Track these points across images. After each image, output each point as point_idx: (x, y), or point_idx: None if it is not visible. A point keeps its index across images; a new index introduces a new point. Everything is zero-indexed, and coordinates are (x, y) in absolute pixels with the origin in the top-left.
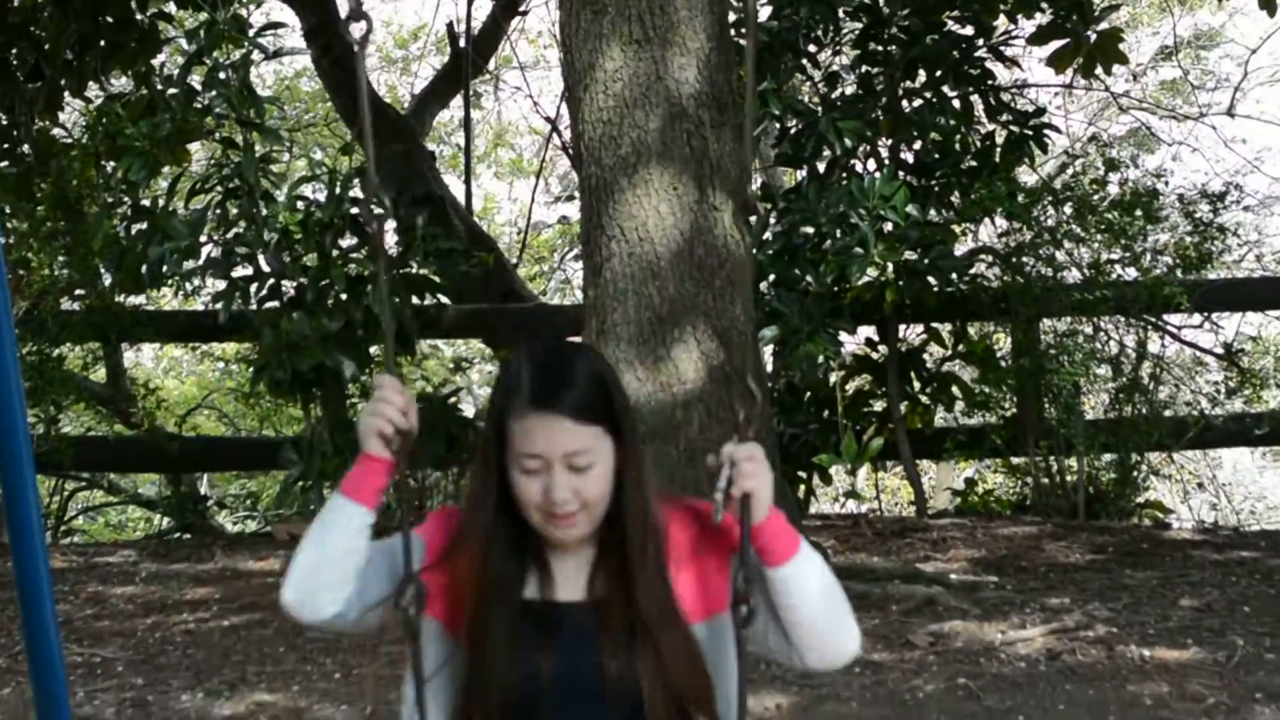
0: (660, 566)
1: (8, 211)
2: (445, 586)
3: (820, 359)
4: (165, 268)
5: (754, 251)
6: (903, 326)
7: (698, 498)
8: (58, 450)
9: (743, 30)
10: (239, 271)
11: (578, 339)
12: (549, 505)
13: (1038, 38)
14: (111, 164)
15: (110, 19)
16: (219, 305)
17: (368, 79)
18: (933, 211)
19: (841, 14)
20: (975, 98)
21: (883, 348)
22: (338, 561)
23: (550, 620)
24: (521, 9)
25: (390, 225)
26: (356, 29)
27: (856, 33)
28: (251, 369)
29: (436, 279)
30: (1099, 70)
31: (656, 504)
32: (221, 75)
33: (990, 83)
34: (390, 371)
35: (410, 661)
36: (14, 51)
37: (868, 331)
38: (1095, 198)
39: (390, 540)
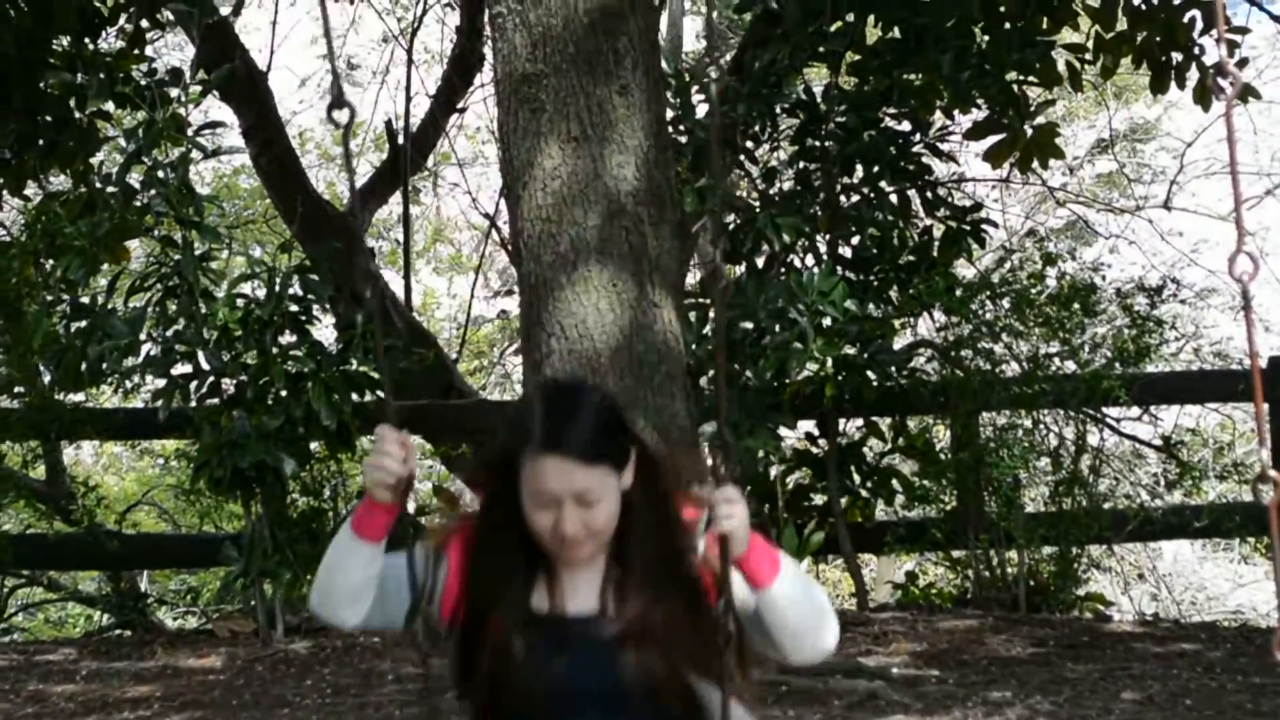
0: (677, 574)
1: None
2: (465, 599)
3: (760, 454)
4: (105, 365)
5: (694, 347)
6: (842, 421)
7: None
8: None
9: (681, 127)
10: (179, 369)
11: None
12: (558, 537)
13: (974, 132)
14: (50, 262)
15: (49, 118)
16: (159, 403)
17: (351, 163)
18: (871, 306)
19: (779, 110)
20: (913, 193)
21: (823, 442)
22: (353, 588)
23: (561, 632)
24: (460, 106)
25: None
26: (340, 116)
27: (794, 129)
28: (192, 466)
29: (376, 376)
30: (1035, 164)
31: (677, 517)
32: (160, 174)
33: (928, 178)
34: (390, 421)
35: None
36: None
37: (807, 426)
38: (1033, 292)
39: (403, 555)
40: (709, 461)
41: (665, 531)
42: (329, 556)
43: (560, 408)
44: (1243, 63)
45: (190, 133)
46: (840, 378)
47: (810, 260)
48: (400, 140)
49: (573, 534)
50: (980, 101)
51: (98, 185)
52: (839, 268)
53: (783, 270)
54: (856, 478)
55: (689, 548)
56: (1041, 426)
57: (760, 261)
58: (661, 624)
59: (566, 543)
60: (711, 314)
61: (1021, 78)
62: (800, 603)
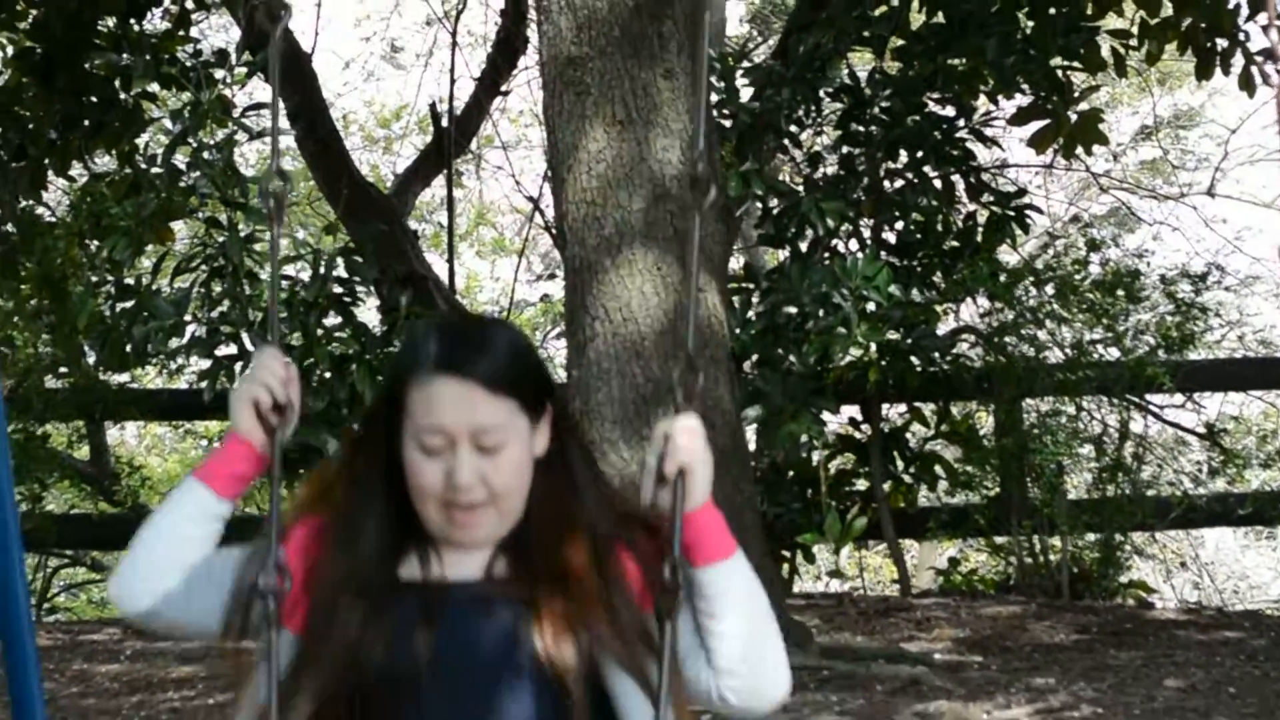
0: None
1: None
2: (305, 595)
3: (803, 439)
4: (150, 346)
5: (737, 331)
6: (886, 406)
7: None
8: (42, 528)
9: (725, 111)
10: (223, 350)
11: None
12: (451, 492)
13: (1018, 118)
14: (96, 243)
15: (94, 99)
16: (203, 384)
17: (277, 231)
18: (915, 291)
19: (823, 95)
20: (957, 178)
21: (866, 427)
22: (166, 549)
23: (436, 599)
24: (504, 89)
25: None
26: (275, 185)
27: (838, 113)
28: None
29: None
30: (1079, 150)
31: (610, 491)
32: (206, 155)
33: (971, 163)
34: (274, 344)
35: (265, 661)
36: None
37: (851, 411)
38: (1077, 278)
39: (240, 549)
40: (674, 384)
41: (582, 513)
42: (154, 520)
43: (464, 331)
44: None
45: (236, 114)
46: (884, 363)
47: (854, 245)
48: (444, 123)
49: (467, 486)
50: (1025, 87)
51: (143, 166)
52: (883, 253)
53: (826, 255)
54: (900, 463)
55: (614, 537)
56: (1085, 413)
57: (804, 246)
58: (571, 595)
59: (459, 503)
60: (755, 298)
61: (1066, 63)
62: (745, 601)
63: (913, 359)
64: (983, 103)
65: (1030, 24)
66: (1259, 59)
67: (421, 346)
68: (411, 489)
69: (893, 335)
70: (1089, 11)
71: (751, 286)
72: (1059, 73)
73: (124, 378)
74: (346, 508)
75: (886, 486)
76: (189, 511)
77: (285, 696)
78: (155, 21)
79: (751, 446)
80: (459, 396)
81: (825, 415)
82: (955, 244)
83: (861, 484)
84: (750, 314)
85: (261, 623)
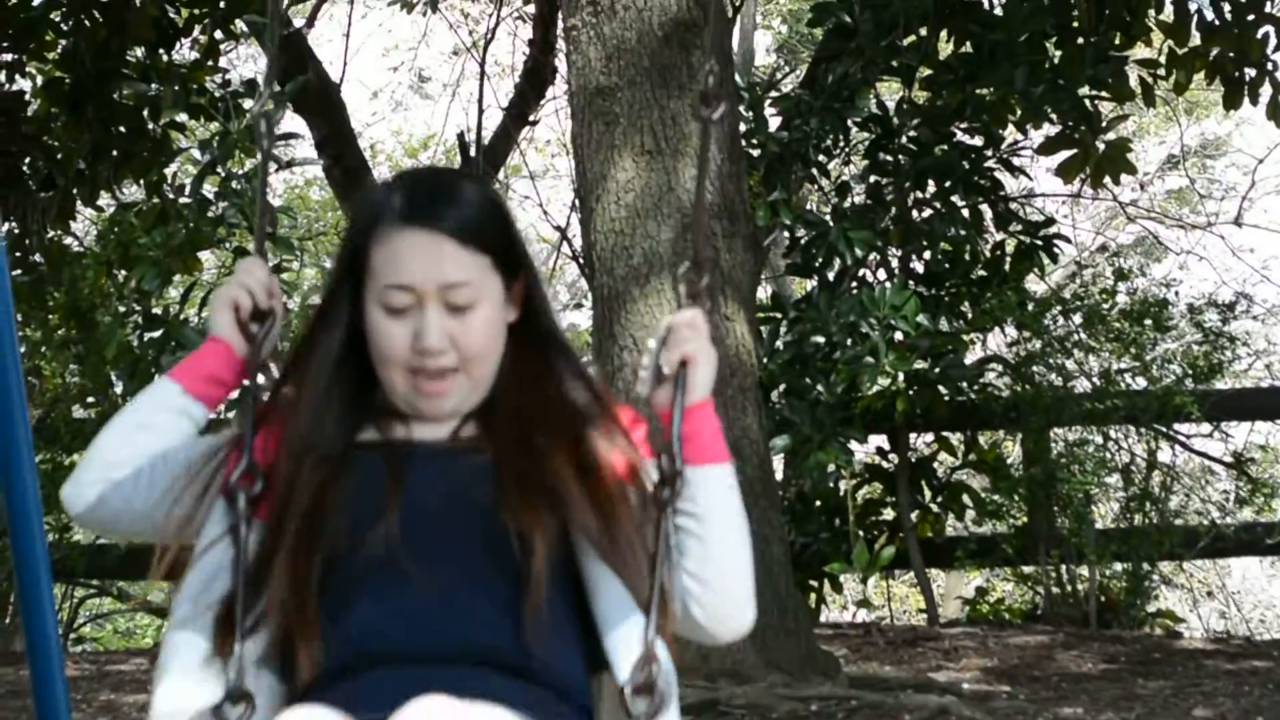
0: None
1: (20, 319)
2: (270, 477)
3: (831, 468)
4: None
5: (764, 360)
6: (913, 435)
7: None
8: (69, 559)
9: (753, 141)
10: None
11: None
12: (419, 357)
13: (1046, 148)
14: (124, 273)
15: (123, 129)
16: (231, 414)
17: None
18: (943, 321)
19: (851, 124)
20: (985, 207)
21: (893, 456)
22: (122, 439)
23: (400, 455)
24: (532, 119)
25: None
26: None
27: (866, 143)
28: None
29: None
30: (1107, 180)
31: (576, 361)
32: (234, 185)
33: (1000, 193)
34: (259, 255)
35: (234, 551)
36: (27, 161)
37: (879, 440)
38: (1105, 307)
39: (203, 440)
40: (680, 287)
41: (554, 382)
42: (122, 417)
43: (432, 181)
44: None
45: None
46: (911, 392)
47: (882, 274)
48: (472, 153)
49: (437, 349)
50: (1053, 116)
51: (171, 196)
52: (911, 282)
53: (854, 285)
54: (927, 492)
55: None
56: (1112, 443)
57: (832, 276)
58: (542, 463)
59: (428, 368)
60: (783, 328)
61: (1094, 93)
62: (727, 512)
63: (940, 388)
64: (1011, 132)
65: (1058, 54)
66: None
67: (385, 198)
68: (375, 355)
69: (920, 365)
70: (1117, 41)
71: (779, 316)
72: (1087, 102)
73: None
74: (307, 380)
75: (914, 516)
76: (153, 404)
77: (256, 581)
78: (184, 52)
79: (779, 476)
80: (427, 249)
81: (853, 445)
82: (983, 273)
83: (889, 513)
84: (778, 343)
85: (227, 519)
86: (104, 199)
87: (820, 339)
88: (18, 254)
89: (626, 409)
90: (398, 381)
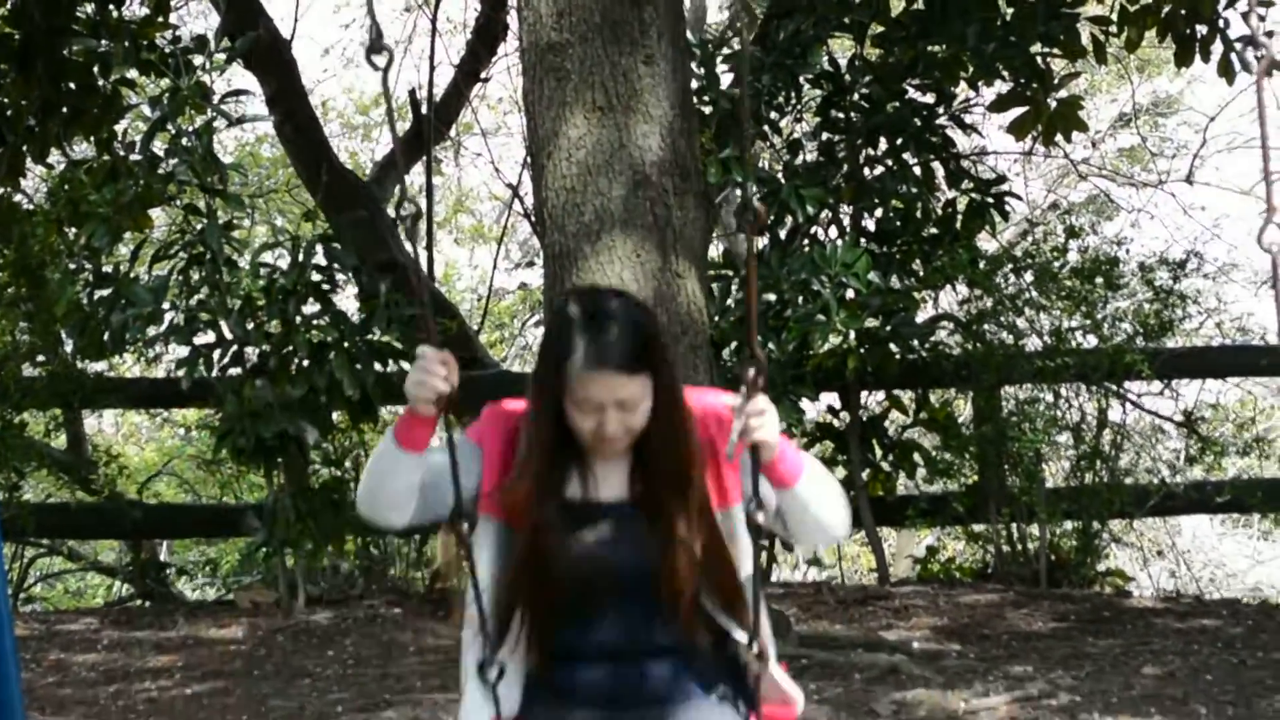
0: (693, 469)
1: None
2: (502, 488)
3: (782, 426)
4: (128, 334)
5: (716, 318)
6: (864, 394)
7: (718, 396)
8: (20, 517)
9: (705, 98)
10: (202, 338)
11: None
12: (600, 438)
13: (998, 105)
14: (74, 230)
15: (73, 85)
16: (181, 372)
17: (391, 107)
18: (894, 279)
19: (803, 81)
20: (936, 165)
21: (844, 415)
22: (398, 493)
23: (594, 517)
24: (483, 75)
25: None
26: (379, 59)
27: (818, 100)
28: (214, 436)
29: (400, 346)
30: (1059, 137)
31: (689, 413)
32: (185, 141)
33: (951, 150)
34: (432, 341)
35: (469, 565)
36: None
37: (830, 398)
38: (1056, 265)
39: (446, 451)
40: (745, 375)
41: (683, 428)
42: (374, 463)
43: (599, 323)
44: (1270, 35)
45: (215, 101)
46: (863, 351)
47: (834, 232)
48: (424, 110)
49: (614, 434)
50: (1004, 74)
51: (121, 153)
52: (862, 240)
53: (806, 242)
54: (878, 451)
55: (695, 441)
56: (1063, 401)
57: (784, 233)
58: (682, 513)
59: (607, 441)
60: (735, 286)
61: (1046, 50)
62: (819, 499)
63: (891, 346)
64: (962, 89)
65: (1010, 10)
66: (1239, 45)
67: (570, 344)
68: (572, 424)
69: (872, 323)
70: None
71: (730, 274)
72: (1039, 60)
73: (101, 366)
74: (531, 434)
75: (865, 474)
76: (404, 467)
77: (505, 575)
78: (134, 8)
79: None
80: (605, 381)
81: (804, 403)
82: (935, 231)
83: (840, 471)
84: (729, 301)
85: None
86: (54, 156)
87: (771, 297)
88: None
89: (724, 410)
90: (586, 440)
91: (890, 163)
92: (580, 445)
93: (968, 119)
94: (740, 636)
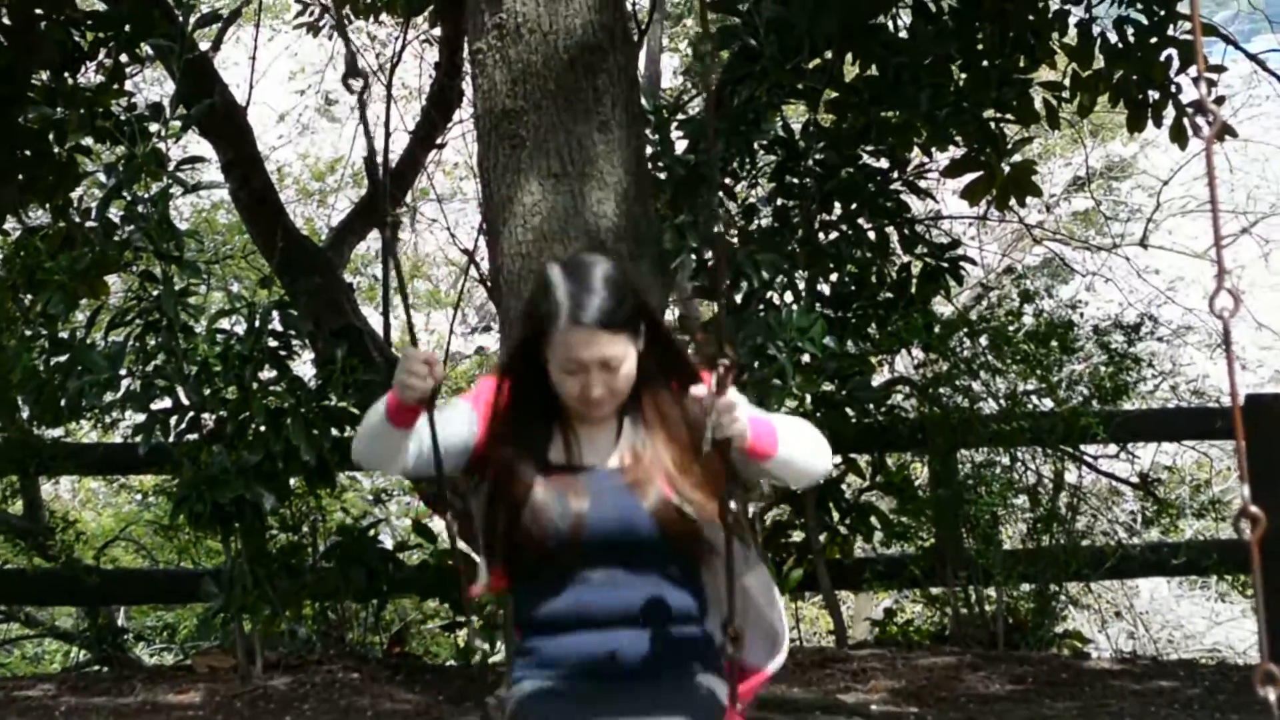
0: (679, 427)
1: None
2: (489, 455)
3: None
4: (84, 400)
5: None
6: None
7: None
8: None
9: (659, 163)
10: (158, 404)
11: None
12: (584, 399)
13: (952, 170)
14: (29, 297)
15: (28, 152)
16: (138, 438)
17: (367, 127)
18: (850, 343)
19: (758, 147)
20: (891, 230)
21: None
22: (390, 454)
23: (579, 479)
24: (439, 142)
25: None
26: (355, 84)
27: (773, 166)
28: (171, 501)
29: (356, 411)
30: (1013, 202)
31: (684, 370)
32: (140, 208)
33: (906, 215)
34: (413, 343)
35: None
36: None
37: None
38: (1011, 329)
39: (452, 411)
40: (712, 372)
41: (671, 390)
42: (367, 427)
43: (580, 283)
44: (1219, 101)
45: (170, 167)
46: (819, 414)
47: (789, 297)
48: (380, 176)
49: (599, 397)
50: (958, 139)
51: (77, 220)
52: (817, 304)
53: (761, 307)
54: (835, 514)
55: (689, 406)
56: (1019, 464)
57: (739, 298)
58: (671, 470)
59: (592, 404)
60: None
61: (999, 115)
62: (800, 454)
63: (847, 410)
64: (916, 155)
65: (963, 77)
66: (1190, 111)
67: (553, 303)
68: (557, 388)
69: (828, 386)
70: (1022, 64)
71: (687, 339)
72: (992, 125)
73: (58, 432)
74: (513, 400)
75: (822, 538)
76: (393, 441)
77: (491, 530)
78: (90, 75)
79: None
80: (588, 340)
81: None
82: (890, 295)
83: (797, 535)
84: None
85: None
86: (9, 223)
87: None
88: None
89: (705, 373)
90: (572, 403)
91: (845, 228)
92: (564, 410)
93: (922, 184)
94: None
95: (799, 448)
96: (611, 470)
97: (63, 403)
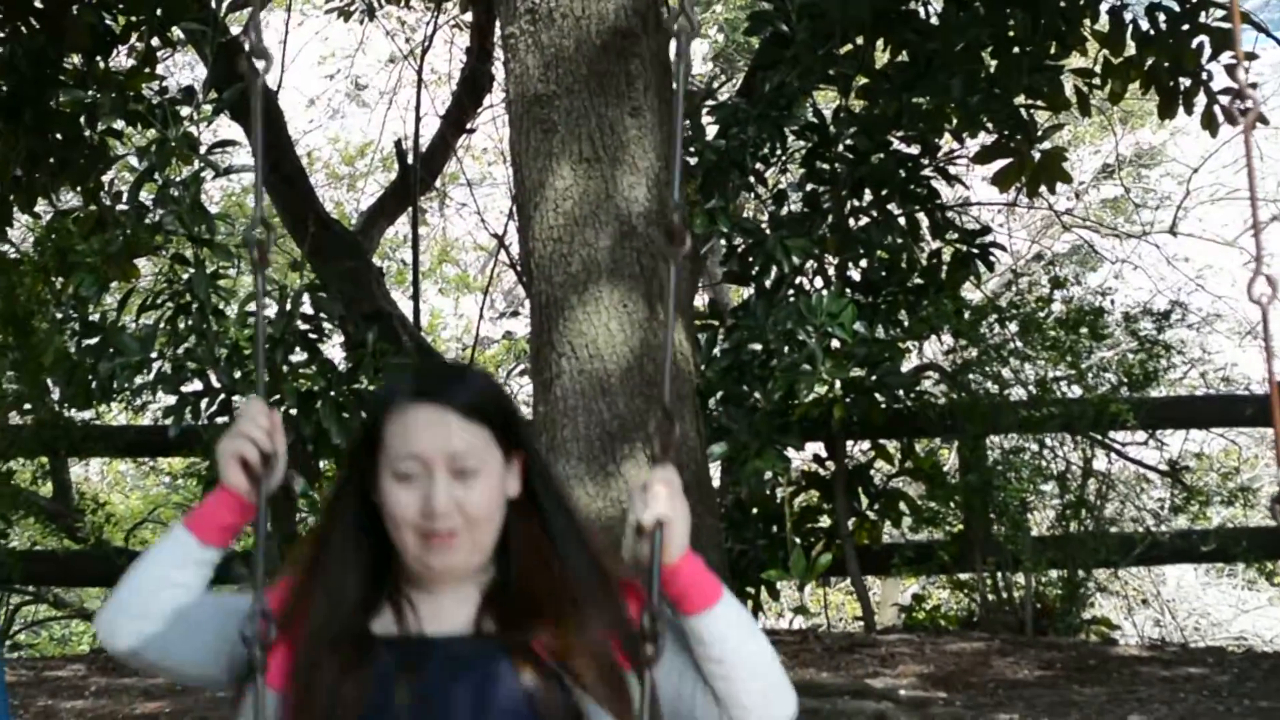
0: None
1: None
2: (286, 653)
3: (768, 475)
4: (115, 382)
5: (703, 368)
6: (850, 443)
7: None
8: (7, 564)
9: (690, 149)
10: (189, 386)
11: None
12: (427, 518)
13: (983, 156)
14: (61, 280)
15: (60, 136)
16: (168, 420)
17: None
18: (880, 329)
19: (789, 133)
20: (921, 216)
21: (830, 464)
22: (150, 593)
23: (415, 652)
24: (469, 126)
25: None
26: (259, 64)
27: (803, 151)
28: (200, 484)
29: None
30: (1042, 188)
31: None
32: (173, 192)
33: (936, 201)
34: (259, 395)
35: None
36: None
37: (815, 448)
38: (1040, 315)
39: (228, 598)
40: (654, 438)
41: (560, 560)
42: (144, 555)
43: (439, 368)
44: (1252, 87)
45: (201, 151)
46: (848, 400)
47: (819, 282)
48: (410, 160)
49: (444, 511)
50: (989, 125)
51: (108, 203)
52: (848, 290)
53: (791, 292)
54: (864, 500)
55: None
56: (1048, 450)
57: (769, 283)
58: (555, 643)
59: (437, 529)
60: (721, 335)
61: (1030, 102)
62: (744, 638)
63: (877, 396)
64: (947, 141)
65: (995, 63)
66: (1222, 98)
67: (399, 382)
68: (388, 520)
69: (857, 372)
70: (1053, 51)
71: (717, 324)
72: (1023, 111)
73: (88, 414)
74: (325, 554)
75: (851, 523)
76: (175, 558)
77: None
78: (121, 59)
79: (716, 483)
80: (435, 421)
81: (790, 452)
82: (919, 281)
83: (826, 521)
84: (715, 351)
85: (245, 672)
86: (41, 206)
87: (757, 347)
88: None
89: (629, 584)
90: (409, 543)
91: (875, 213)
92: (398, 580)
93: (952, 170)
94: None
95: (749, 632)
96: (465, 638)
97: (93, 385)
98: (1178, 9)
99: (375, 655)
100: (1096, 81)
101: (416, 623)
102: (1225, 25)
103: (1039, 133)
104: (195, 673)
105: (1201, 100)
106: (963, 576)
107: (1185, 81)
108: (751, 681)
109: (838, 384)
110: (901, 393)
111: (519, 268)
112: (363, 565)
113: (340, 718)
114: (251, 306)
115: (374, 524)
